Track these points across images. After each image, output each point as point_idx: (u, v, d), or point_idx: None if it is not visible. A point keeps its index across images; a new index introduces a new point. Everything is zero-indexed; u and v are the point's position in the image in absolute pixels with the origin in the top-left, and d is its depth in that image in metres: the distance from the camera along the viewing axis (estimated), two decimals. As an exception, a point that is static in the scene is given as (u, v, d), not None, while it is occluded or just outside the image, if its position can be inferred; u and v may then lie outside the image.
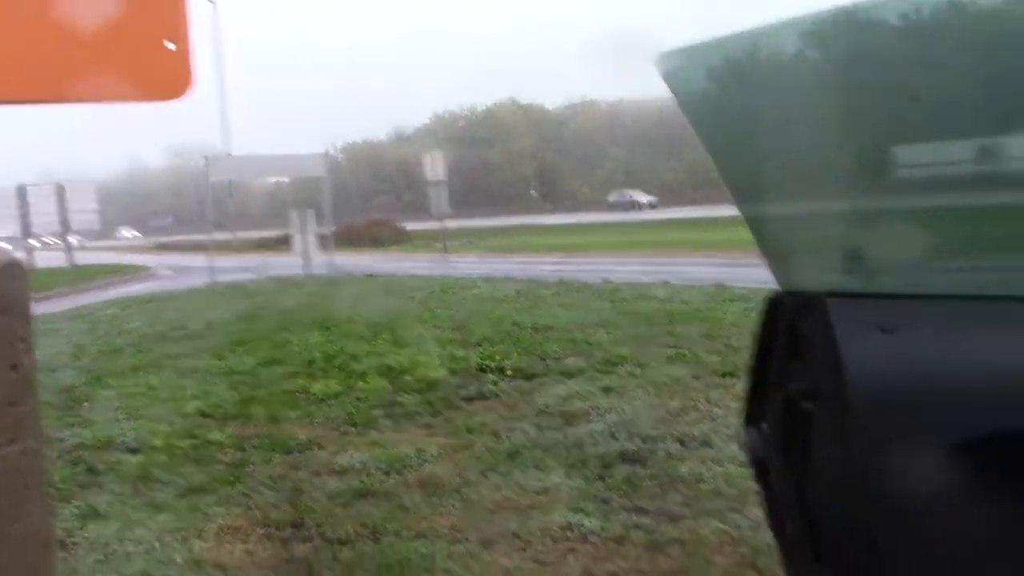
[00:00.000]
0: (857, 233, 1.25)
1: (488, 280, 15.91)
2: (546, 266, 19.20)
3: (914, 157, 1.21)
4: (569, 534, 3.83)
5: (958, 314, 1.12)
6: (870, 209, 1.25)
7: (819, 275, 1.29)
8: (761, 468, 1.54)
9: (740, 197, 1.29)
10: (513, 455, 4.92)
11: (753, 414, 1.56)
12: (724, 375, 6.42)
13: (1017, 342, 1.08)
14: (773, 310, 1.42)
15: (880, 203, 1.24)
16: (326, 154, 26.74)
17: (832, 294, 1.19)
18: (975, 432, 1.07)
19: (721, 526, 3.82)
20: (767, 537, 3.55)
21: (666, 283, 12.88)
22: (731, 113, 1.26)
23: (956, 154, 1.16)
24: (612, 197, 56.16)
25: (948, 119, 1.15)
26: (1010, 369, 1.06)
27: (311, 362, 7.99)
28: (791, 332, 1.35)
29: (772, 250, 1.32)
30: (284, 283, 18.59)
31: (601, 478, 4.50)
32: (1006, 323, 1.09)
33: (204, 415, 6.30)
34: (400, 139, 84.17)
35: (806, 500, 1.34)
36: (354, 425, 5.82)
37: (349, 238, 35.81)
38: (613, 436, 5.13)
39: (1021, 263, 1.14)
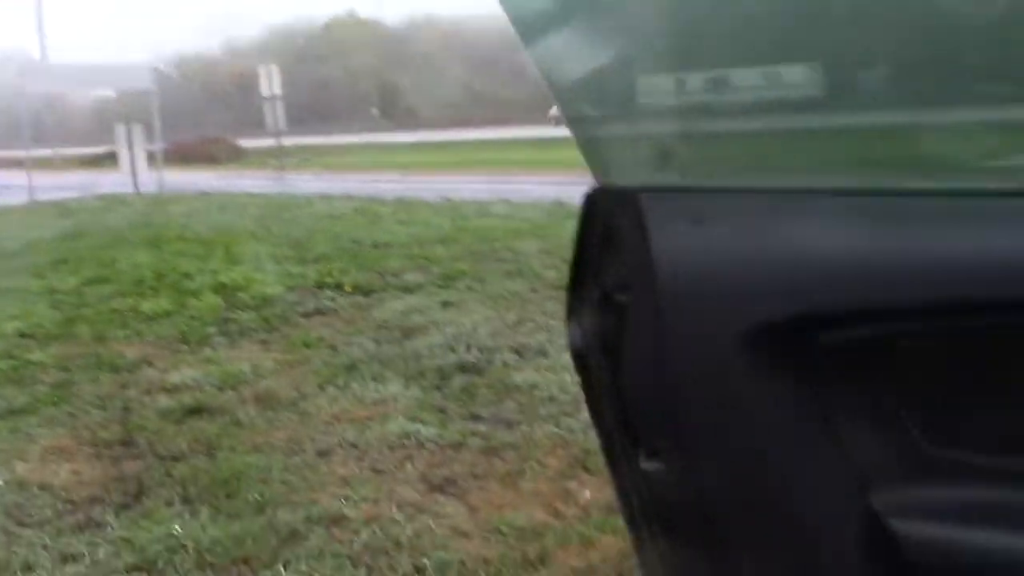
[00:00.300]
0: (670, 129, 1.29)
1: (326, 198, 15.63)
2: (386, 184, 19.01)
3: (726, 69, 1.25)
4: (406, 442, 3.88)
5: (766, 206, 1.16)
6: (682, 107, 1.28)
7: (633, 171, 1.32)
8: (581, 361, 1.58)
9: (560, 96, 1.31)
10: (351, 368, 4.92)
11: (573, 309, 1.60)
12: (560, 288, 6.55)
13: (822, 232, 1.13)
14: (590, 207, 1.45)
15: (692, 101, 1.28)
16: (154, 66, 25.43)
17: (645, 189, 1.22)
18: (778, 319, 1.12)
19: (554, 430, 3.95)
20: (596, 441, 3.70)
21: (507, 201, 12.97)
22: (548, 10, 1.27)
23: (768, 70, 1.21)
24: (554, 110, 53.66)
25: (766, 37, 1.19)
26: (814, 258, 1.11)
27: (140, 280, 7.71)
28: (607, 227, 1.38)
29: (589, 147, 1.35)
30: (110, 201, 17.77)
31: (439, 388, 4.57)
32: (810, 214, 1.14)
33: (24, 335, 6.01)
34: (234, 53, 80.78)
35: (621, 390, 1.39)
36: (187, 343, 5.68)
37: (181, 156, 34.40)
38: (451, 348, 5.20)
39: (820, 157, 1.20)
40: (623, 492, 1.46)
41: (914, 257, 1.07)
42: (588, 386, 1.59)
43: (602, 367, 1.47)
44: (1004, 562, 1.07)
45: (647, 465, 1.29)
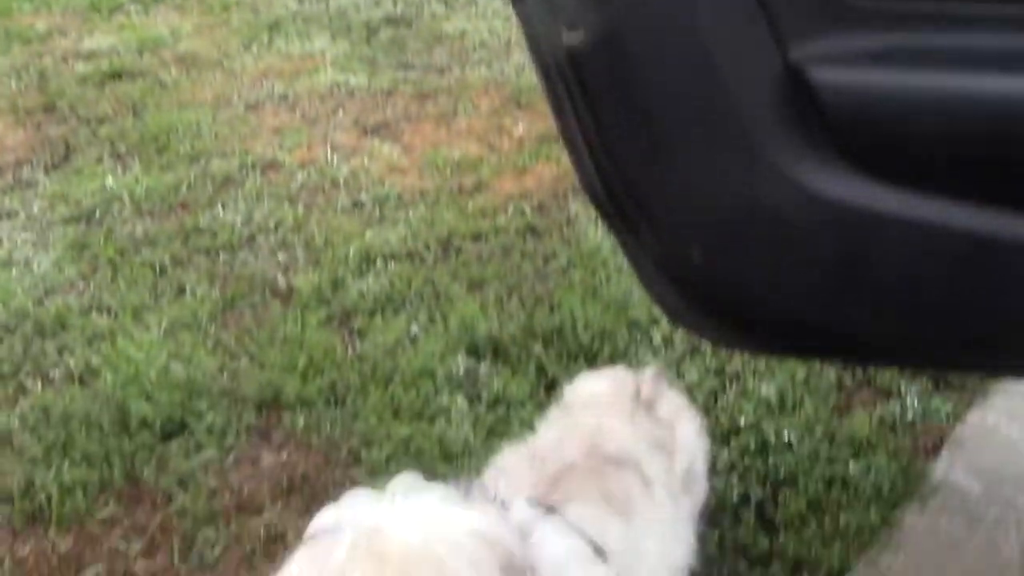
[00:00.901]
0: None
1: None
2: None
3: None
4: (337, 92, 3.82)
5: None
6: None
7: None
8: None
9: None
10: (274, 27, 4.72)
11: None
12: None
13: None
14: None
15: None
16: None
17: None
18: None
19: (486, 73, 3.90)
20: (528, 79, 3.66)
21: None
22: None
23: None
24: None
25: None
26: None
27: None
28: None
29: None
30: None
31: (367, 41, 4.42)
32: None
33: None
34: None
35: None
36: (98, 11, 5.35)
37: None
38: (377, 3, 4.98)
39: None
40: (548, 80, 1.45)
41: None
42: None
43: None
44: (913, 99, 1.11)
45: (569, 38, 1.28)
